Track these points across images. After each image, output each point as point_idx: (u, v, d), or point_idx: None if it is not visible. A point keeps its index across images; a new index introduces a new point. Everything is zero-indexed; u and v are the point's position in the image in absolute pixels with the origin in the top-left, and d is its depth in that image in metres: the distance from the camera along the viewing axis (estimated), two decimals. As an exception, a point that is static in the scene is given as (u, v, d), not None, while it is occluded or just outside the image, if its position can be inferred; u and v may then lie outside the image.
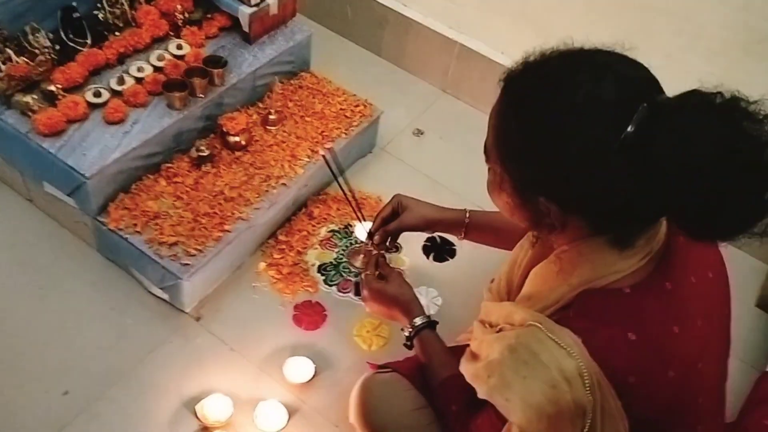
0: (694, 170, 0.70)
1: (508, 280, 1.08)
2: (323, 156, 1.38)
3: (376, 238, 1.29)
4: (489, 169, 0.89)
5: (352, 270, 1.66)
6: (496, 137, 0.85)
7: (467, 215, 1.29)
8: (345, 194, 1.37)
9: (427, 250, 1.74)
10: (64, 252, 1.57)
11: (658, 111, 0.73)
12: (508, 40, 2.04)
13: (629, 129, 0.73)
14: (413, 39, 2.19)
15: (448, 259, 1.73)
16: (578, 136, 0.76)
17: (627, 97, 0.74)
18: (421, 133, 2.06)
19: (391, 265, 1.66)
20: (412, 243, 1.74)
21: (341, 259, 1.68)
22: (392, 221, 1.29)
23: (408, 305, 1.23)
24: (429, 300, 1.63)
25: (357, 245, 1.69)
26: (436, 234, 1.73)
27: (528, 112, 0.80)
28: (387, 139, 2.01)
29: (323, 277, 1.63)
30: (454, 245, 1.75)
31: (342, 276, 1.64)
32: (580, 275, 0.84)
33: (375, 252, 1.30)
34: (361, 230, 1.61)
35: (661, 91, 0.78)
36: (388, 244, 1.32)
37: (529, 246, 1.04)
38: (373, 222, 1.32)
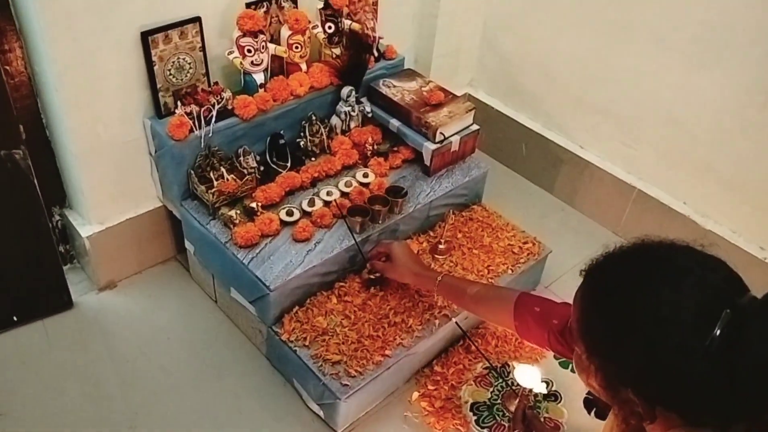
0: None
1: None
2: (456, 323, 1.58)
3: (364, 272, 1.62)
4: (575, 349, 0.91)
5: (506, 414, 1.60)
6: (581, 328, 0.87)
7: (438, 281, 1.49)
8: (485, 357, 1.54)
9: (588, 404, 1.63)
10: (236, 354, 1.68)
11: (743, 314, 0.74)
12: (690, 192, 1.96)
13: (715, 333, 0.74)
14: (587, 180, 2.18)
15: (611, 418, 1.61)
16: (660, 340, 0.77)
17: (709, 303, 0.76)
18: (589, 276, 2.00)
19: (547, 416, 1.59)
20: (573, 394, 1.64)
21: (496, 399, 1.63)
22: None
23: None
24: (587, 461, 1.51)
25: (513, 387, 1.63)
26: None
27: (609, 313, 0.83)
28: (552, 277, 1.98)
29: (475, 417, 1.58)
30: (618, 403, 1.63)
31: (495, 419, 1.58)
32: None
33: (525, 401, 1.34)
34: (521, 371, 1.56)
35: (744, 289, 0.79)
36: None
37: None
38: (363, 258, 1.62)
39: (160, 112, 1.61)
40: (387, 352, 1.54)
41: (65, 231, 1.78)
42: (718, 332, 0.73)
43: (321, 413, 1.53)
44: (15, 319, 1.65)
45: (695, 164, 1.92)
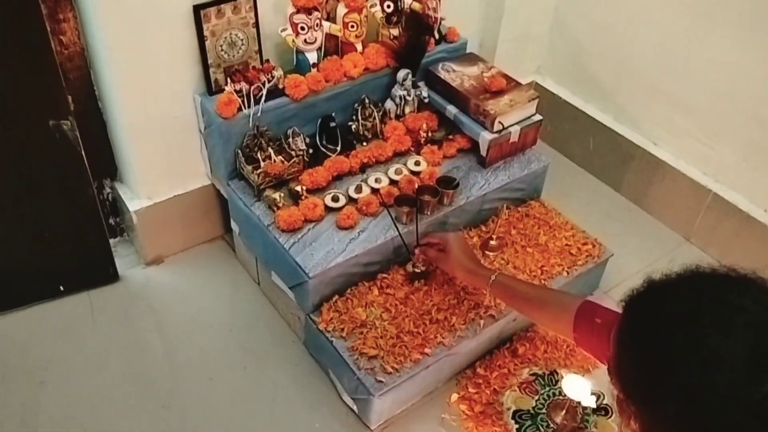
0: None
1: None
2: (389, 213, 1.57)
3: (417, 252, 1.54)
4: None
5: (551, 425, 1.50)
6: (616, 368, 0.78)
7: (491, 280, 1.38)
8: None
9: (642, 422, 1.52)
10: (275, 339, 1.65)
11: None
12: (775, 198, 1.79)
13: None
14: (659, 179, 2.02)
15: (666, 440, 1.48)
16: (701, 390, 0.68)
17: (764, 349, 0.66)
18: (654, 283, 1.86)
19: (596, 431, 1.49)
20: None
21: (540, 409, 1.53)
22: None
23: None
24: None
25: (561, 398, 1.53)
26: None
27: (644, 355, 0.74)
28: (613, 282, 1.85)
29: (517, 426, 1.49)
30: (676, 424, 1.50)
31: (539, 429, 1.49)
32: None
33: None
34: (569, 382, 1.47)
35: None
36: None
37: None
38: (418, 240, 1.55)
39: (211, 88, 1.58)
40: (426, 350, 1.46)
41: (115, 204, 1.79)
42: None
43: (355, 408, 1.48)
44: (61, 288, 1.68)
45: (782, 168, 1.74)
